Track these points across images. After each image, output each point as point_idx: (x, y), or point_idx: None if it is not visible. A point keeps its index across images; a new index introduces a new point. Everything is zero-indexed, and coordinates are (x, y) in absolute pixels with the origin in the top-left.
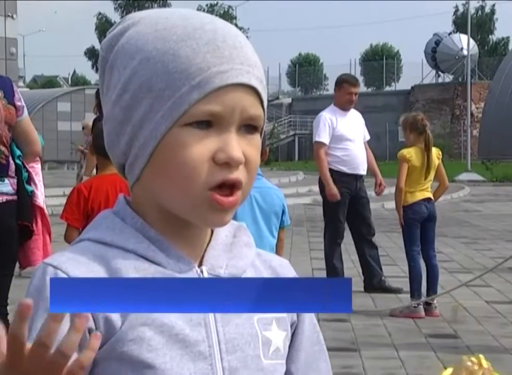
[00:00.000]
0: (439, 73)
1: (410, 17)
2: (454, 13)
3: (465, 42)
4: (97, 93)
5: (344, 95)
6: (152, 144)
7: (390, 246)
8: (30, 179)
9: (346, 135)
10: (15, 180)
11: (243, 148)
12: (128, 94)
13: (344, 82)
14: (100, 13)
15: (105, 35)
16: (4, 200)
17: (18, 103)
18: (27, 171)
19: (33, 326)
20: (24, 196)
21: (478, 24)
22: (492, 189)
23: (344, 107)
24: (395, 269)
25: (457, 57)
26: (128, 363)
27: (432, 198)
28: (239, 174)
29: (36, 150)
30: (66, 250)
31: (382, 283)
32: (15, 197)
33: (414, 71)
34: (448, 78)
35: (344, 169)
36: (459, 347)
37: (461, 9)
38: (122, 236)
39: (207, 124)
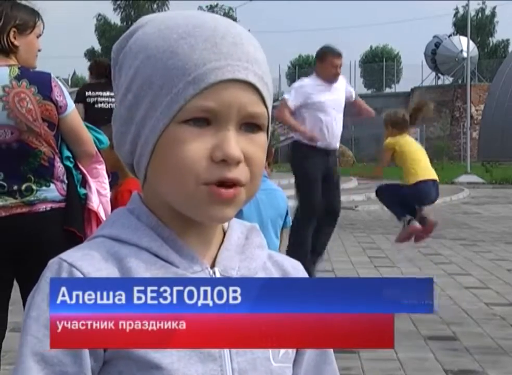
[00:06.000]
0: (439, 75)
1: (410, 19)
2: (454, 15)
3: (465, 45)
4: (76, 97)
5: (329, 67)
6: (152, 141)
7: (389, 248)
8: (85, 182)
9: (322, 108)
10: (64, 185)
11: (244, 146)
12: (131, 93)
13: (328, 53)
14: (99, 14)
15: (105, 36)
16: (48, 208)
17: (58, 99)
18: (81, 172)
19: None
20: (74, 200)
21: (478, 27)
22: (491, 192)
23: (329, 80)
24: (394, 271)
25: (456, 59)
26: (135, 363)
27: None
28: (238, 173)
29: (87, 150)
30: (82, 246)
31: (310, 265)
32: (62, 205)
33: (414, 73)
34: (448, 80)
35: (317, 143)
36: (458, 349)
37: (461, 11)
38: (136, 234)
39: (205, 121)
